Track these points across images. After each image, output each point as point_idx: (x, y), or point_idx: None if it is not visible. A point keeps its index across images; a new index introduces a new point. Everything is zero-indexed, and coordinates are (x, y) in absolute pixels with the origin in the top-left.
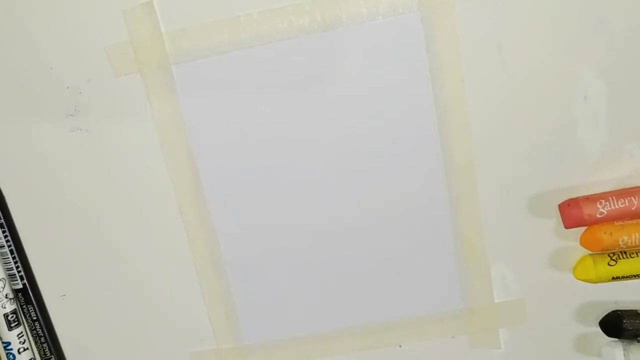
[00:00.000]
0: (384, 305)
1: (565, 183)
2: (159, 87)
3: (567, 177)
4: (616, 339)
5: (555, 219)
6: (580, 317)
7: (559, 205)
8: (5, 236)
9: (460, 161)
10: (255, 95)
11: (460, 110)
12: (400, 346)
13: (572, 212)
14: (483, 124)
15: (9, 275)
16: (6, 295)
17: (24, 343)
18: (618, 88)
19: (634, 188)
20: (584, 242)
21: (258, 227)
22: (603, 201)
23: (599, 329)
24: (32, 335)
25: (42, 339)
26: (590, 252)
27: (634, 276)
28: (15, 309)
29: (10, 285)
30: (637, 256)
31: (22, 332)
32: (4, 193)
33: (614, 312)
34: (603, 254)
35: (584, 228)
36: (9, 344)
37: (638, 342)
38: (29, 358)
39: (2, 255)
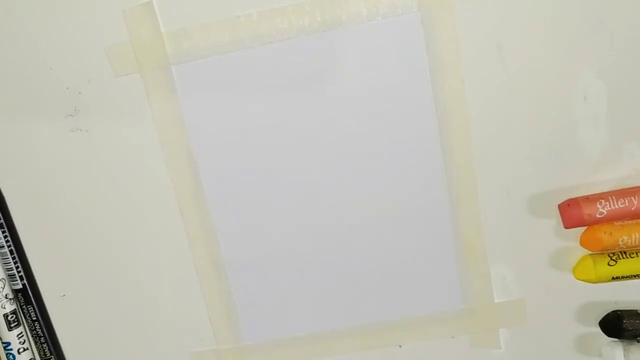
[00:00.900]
0: (384, 305)
1: (565, 183)
2: (159, 87)
3: (567, 177)
4: (616, 339)
5: (555, 219)
6: (580, 317)
7: (559, 206)
8: (5, 236)
9: (460, 161)
10: (255, 95)
11: (460, 110)
12: (400, 346)
13: (572, 212)
14: (483, 124)
15: (8, 275)
16: (6, 295)
17: (23, 343)
18: (618, 88)
19: (633, 188)
20: (583, 242)
21: (258, 227)
22: (603, 201)
23: (599, 329)
24: (32, 336)
25: (42, 339)
26: (590, 252)
27: (634, 276)
28: (15, 309)
29: (10, 285)
30: (637, 256)
31: (22, 333)
32: (4, 193)
33: (614, 312)
34: (603, 254)
35: (583, 228)
36: (8, 344)
37: (638, 342)
38: (29, 358)
39: (2, 256)
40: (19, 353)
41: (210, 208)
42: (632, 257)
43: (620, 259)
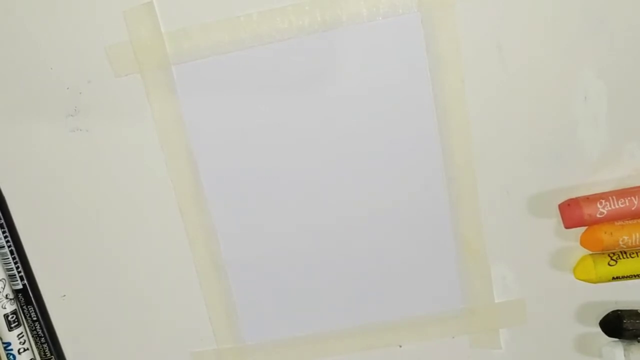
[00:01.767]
0: (384, 305)
1: (566, 183)
2: (159, 87)
3: (567, 177)
4: (616, 339)
5: (556, 219)
6: (580, 317)
7: (559, 205)
8: (5, 236)
9: (460, 161)
10: (255, 95)
11: (460, 110)
12: (400, 346)
13: (572, 212)
14: (483, 124)
15: (9, 275)
16: (6, 295)
17: (24, 343)
18: (618, 88)
19: (634, 188)
20: (584, 242)
21: (258, 227)
22: (603, 201)
23: (599, 329)
24: (32, 336)
25: (42, 340)
26: (591, 252)
27: (634, 276)
28: (15, 309)
29: (11, 285)
30: (637, 256)
31: (22, 333)
32: (4, 193)
33: (614, 312)
34: (603, 254)
35: (584, 228)
36: (9, 344)
37: (638, 342)
38: (29, 358)
39: (2, 256)
40: (19, 353)
41: (210, 208)
42: (632, 257)
43: (620, 259)
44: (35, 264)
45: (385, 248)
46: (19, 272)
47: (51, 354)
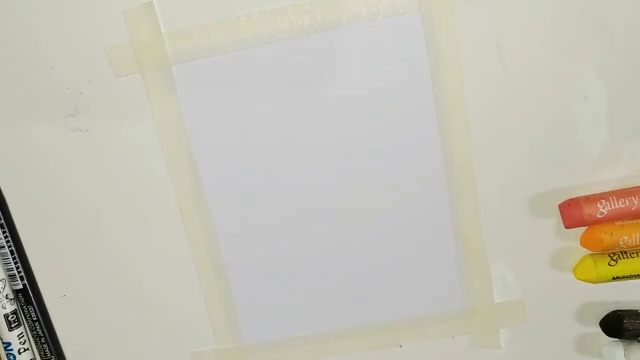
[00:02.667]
0: (384, 306)
1: (566, 183)
2: (159, 88)
3: (567, 177)
4: (617, 339)
5: (556, 219)
6: (580, 317)
7: (559, 205)
8: (6, 236)
9: (460, 161)
10: (255, 95)
11: (460, 111)
12: (400, 346)
13: (572, 212)
14: (483, 124)
15: (9, 275)
16: (6, 295)
17: (24, 343)
18: (618, 88)
19: (634, 188)
20: (584, 242)
21: (258, 227)
22: (603, 201)
23: (599, 329)
24: (33, 336)
25: (43, 340)
26: (591, 252)
27: (635, 276)
28: (15, 309)
29: (11, 285)
30: (638, 256)
31: (22, 333)
32: (4, 193)
33: (615, 312)
34: (603, 254)
35: (584, 228)
36: (9, 344)
37: (638, 342)
38: (30, 358)
39: (2, 256)
40: (19, 353)
41: (210, 208)
42: (632, 257)
43: (620, 259)
44: (35, 264)
45: (385, 248)
46: (19, 272)
47: (51, 354)
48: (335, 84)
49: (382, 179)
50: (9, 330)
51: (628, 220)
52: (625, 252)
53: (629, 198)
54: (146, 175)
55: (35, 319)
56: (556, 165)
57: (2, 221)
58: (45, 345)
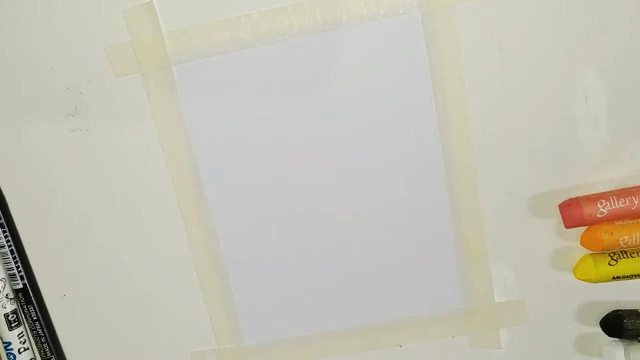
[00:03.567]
0: (385, 306)
1: (566, 183)
2: (160, 88)
3: (568, 177)
4: (617, 339)
5: (556, 219)
6: (581, 317)
7: (560, 206)
8: (6, 236)
9: (460, 161)
10: (255, 95)
11: (461, 111)
12: (400, 346)
13: (572, 212)
14: (483, 124)
15: (9, 275)
16: (7, 295)
17: (24, 343)
18: (619, 88)
19: (634, 188)
20: (584, 242)
21: (258, 227)
22: (604, 201)
23: (599, 329)
24: (33, 336)
25: (43, 339)
26: (591, 252)
27: (635, 276)
28: (15, 309)
29: (11, 285)
30: (638, 256)
31: (22, 333)
32: (4, 193)
33: (615, 312)
34: (604, 254)
35: (584, 228)
36: (9, 344)
37: (639, 342)
38: (30, 358)
39: (3, 256)
40: (19, 353)
41: (211, 208)
42: (633, 257)
43: (621, 259)
44: (35, 263)
45: (385, 248)
46: (19, 272)
47: (51, 354)
48: (335, 84)
49: (383, 179)
50: (10, 330)
51: (628, 220)
52: (626, 252)
53: (630, 198)
54: (146, 175)
55: (35, 318)
56: (557, 165)
57: (3, 221)
58: (45, 345)
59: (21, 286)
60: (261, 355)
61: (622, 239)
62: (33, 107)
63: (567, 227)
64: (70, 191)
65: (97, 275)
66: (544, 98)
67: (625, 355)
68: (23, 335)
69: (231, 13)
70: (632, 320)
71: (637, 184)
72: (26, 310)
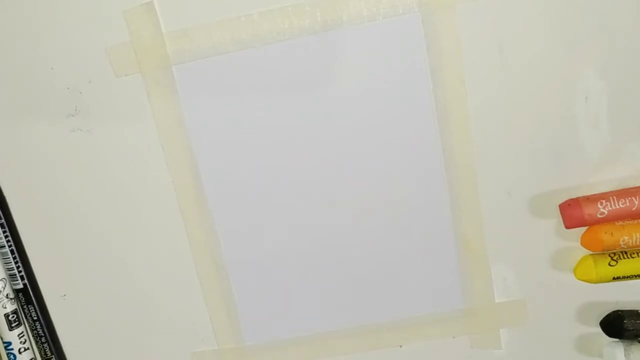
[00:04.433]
0: (385, 306)
1: (566, 183)
2: (160, 88)
3: (568, 177)
4: (617, 339)
5: (556, 219)
6: (581, 317)
7: (560, 206)
8: (6, 236)
9: (460, 161)
10: (256, 95)
11: (461, 111)
12: (400, 346)
13: (572, 212)
14: (484, 124)
15: (9, 275)
16: (7, 295)
17: (24, 343)
18: (619, 88)
19: (634, 188)
20: (584, 243)
21: (258, 227)
22: (604, 201)
23: (599, 330)
24: (33, 335)
25: (43, 339)
26: (591, 252)
27: (635, 276)
28: (15, 309)
29: (11, 285)
30: (638, 256)
31: (22, 332)
32: (4, 193)
33: (615, 312)
34: (604, 254)
35: (584, 228)
36: (9, 344)
37: (639, 342)
38: (30, 358)
39: (3, 255)
40: (19, 353)
41: (211, 208)
42: (633, 258)
43: (621, 259)
44: (35, 263)
45: (385, 248)
46: (19, 272)
47: (52, 354)
48: (335, 84)
49: (383, 179)
50: (10, 330)
51: (628, 220)
52: (626, 252)
53: (630, 198)
54: (146, 175)
55: (35, 318)
56: (557, 165)
57: (3, 221)
58: (45, 345)
59: (21, 286)
60: (261, 355)
61: (622, 239)
62: (33, 107)
63: (567, 227)
64: (70, 191)
65: (97, 275)
66: (544, 98)
67: (625, 356)
68: (23, 335)
69: (231, 13)
70: (632, 321)
71: (637, 184)
72: (26, 310)
